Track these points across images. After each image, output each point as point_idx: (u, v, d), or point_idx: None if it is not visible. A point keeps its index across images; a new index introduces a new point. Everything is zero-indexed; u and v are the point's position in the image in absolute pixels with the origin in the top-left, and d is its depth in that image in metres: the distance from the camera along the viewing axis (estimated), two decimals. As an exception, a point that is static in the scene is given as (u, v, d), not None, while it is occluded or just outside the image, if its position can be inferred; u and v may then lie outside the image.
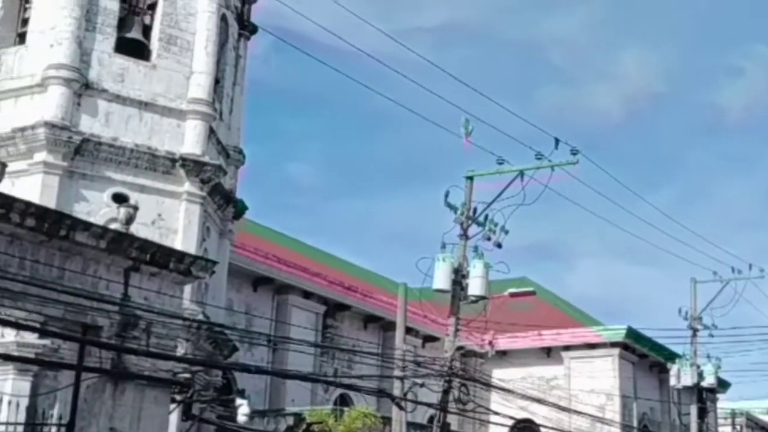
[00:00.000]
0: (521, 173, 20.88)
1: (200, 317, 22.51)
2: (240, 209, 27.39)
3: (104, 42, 23.70)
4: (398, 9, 79.04)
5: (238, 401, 21.34)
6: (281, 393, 31.95)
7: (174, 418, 18.64)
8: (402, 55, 19.92)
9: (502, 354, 36.49)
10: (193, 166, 23.76)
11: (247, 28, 28.49)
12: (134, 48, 24.49)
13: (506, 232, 20.93)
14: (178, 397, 17.49)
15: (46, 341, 18.78)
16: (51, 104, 22.44)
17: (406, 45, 19.78)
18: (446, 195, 20.74)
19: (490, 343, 21.37)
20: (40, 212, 15.19)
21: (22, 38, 24.15)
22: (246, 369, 22.93)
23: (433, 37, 79.02)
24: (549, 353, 40.68)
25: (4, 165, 15.90)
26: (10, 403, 16.42)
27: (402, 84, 25.72)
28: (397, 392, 20.92)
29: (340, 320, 36.59)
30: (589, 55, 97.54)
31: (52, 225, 15.05)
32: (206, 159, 24.17)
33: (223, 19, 26.35)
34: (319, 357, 33.43)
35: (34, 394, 18.87)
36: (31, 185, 21.20)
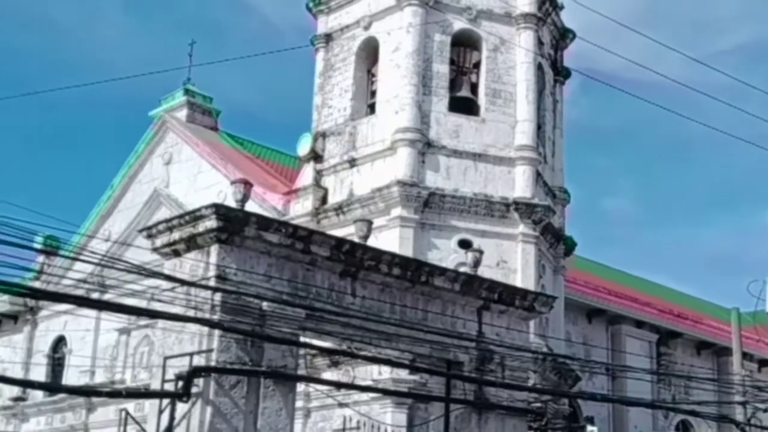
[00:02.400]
0: None
1: (544, 350, 23.02)
2: (569, 246, 27.74)
3: (439, 103, 25.08)
4: (699, 35, 76.53)
5: (589, 428, 21.45)
6: (624, 420, 31.77)
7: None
8: (707, 79, 19.62)
9: None
10: (525, 209, 24.50)
11: (561, 73, 29.00)
12: (464, 105, 25.68)
13: None
14: (534, 425, 17.93)
15: (416, 377, 19.98)
16: (401, 164, 24.04)
17: (714, 67, 19.49)
18: (772, 215, 20.05)
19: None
20: (404, 262, 16.36)
21: (372, 109, 26.07)
22: (592, 397, 23.30)
23: (738, 57, 75.64)
24: None
25: (370, 223, 17.22)
26: (391, 432, 17.70)
27: (711, 108, 25.16)
28: (739, 417, 20.34)
29: (673, 347, 35.83)
30: None
31: (414, 272, 16.12)
32: (536, 201, 24.84)
33: (540, 67, 27.00)
34: (656, 384, 32.90)
35: (410, 424, 20.14)
36: (391, 238, 22.74)
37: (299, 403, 18.75)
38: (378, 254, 15.83)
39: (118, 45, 75.23)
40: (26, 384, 27.57)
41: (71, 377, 30.13)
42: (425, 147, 24.44)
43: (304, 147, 26.51)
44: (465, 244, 23.05)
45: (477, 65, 26.20)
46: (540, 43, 26.80)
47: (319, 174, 26.08)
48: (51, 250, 21.02)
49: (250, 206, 15.12)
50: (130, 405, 20.58)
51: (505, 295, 17.41)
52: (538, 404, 18.82)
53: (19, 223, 10.59)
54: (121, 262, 13.81)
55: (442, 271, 16.83)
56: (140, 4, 76.72)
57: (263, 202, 25.82)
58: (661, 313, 35.50)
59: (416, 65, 24.87)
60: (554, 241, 26.46)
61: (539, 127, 26.60)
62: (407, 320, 15.75)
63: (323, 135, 26.38)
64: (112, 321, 27.90)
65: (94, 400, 29.11)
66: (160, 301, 13.04)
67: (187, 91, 32.36)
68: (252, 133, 34.05)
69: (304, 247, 14.49)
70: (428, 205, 23.77)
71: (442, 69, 25.38)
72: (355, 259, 15.23)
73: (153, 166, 31.41)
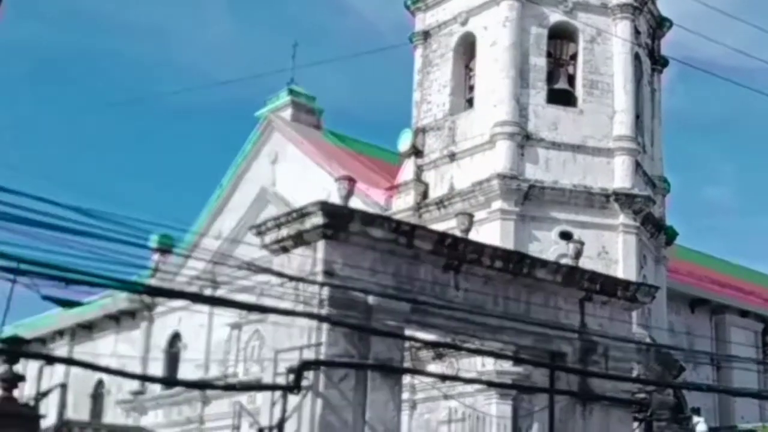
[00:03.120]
0: None
1: (647, 340, 22.63)
2: (670, 235, 27.19)
3: (537, 96, 24.86)
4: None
5: (695, 419, 21.06)
6: (730, 410, 30.96)
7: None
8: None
9: None
10: (625, 200, 24.13)
11: (659, 62, 28.43)
12: (562, 97, 25.40)
13: None
14: (638, 416, 17.64)
15: (520, 368, 19.88)
16: (500, 158, 23.92)
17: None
18: None
19: None
20: (506, 254, 16.29)
21: (470, 103, 25.99)
22: (698, 388, 22.78)
23: None
24: None
25: (472, 216, 17.18)
26: (498, 424, 17.63)
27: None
28: None
29: (778, 337, 34.80)
30: None
31: (516, 264, 16.03)
32: (636, 191, 24.45)
33: (637, 57, 26.53)
34: (762, 374, 31.98)
35: (514, 415, 20.06)
36: (492, 231, 22.67)
37: (405, 395, 18.80)
38: (480, 247, 15.80)
39: (224, 49, 76.68)
40: (145, 378, 28.29)
41: (187, 371, 30.80)
42: (524, 140, 24.26)
43: (404, 143, 26.60)
44: (565, 236, 22.82)
45: (574, 57, 25.88)
46: (637, 32, 26.34)
47: (419, 169, 26.14)
48: (165, 248, 21.53)
49: (354, 202, 15.23)
50: (243, 398, 21.00)
51: (607, 286, 17.18)
52: (643, 395, 18.47)
53: (135, 223, 10.84)
54: (232, 259, 14.08)
55: (544, 263, 16.71)
56: (244, 9, 78.08)
57: (366, 198, 25.99)
58: (765, 303, 34.49)
59: (513, 59, 24.70)
60: (655, 231, 25.95)
61: (637, 117, 26.14)
62: (510, 312, 15.67)
63: (423, 130, 26.42)
64: (224, 317, 28.51)
65: (209, 393, 29.73)
66: (270, 296, 13.22)
67: (291, 92, 32.75)
68: (353, 131, 34.21)
69: (407, 241, 14.54)
70: (528, 198, 23.59)
71: (539, 62, 25.15)
72: (458, 252, 15.22)
73: (260, 166, 31.91)
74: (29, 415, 11.76)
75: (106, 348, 34.01)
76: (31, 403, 11.93)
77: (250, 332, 29.41)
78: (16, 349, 11.92)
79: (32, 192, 9.95)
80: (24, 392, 12.31)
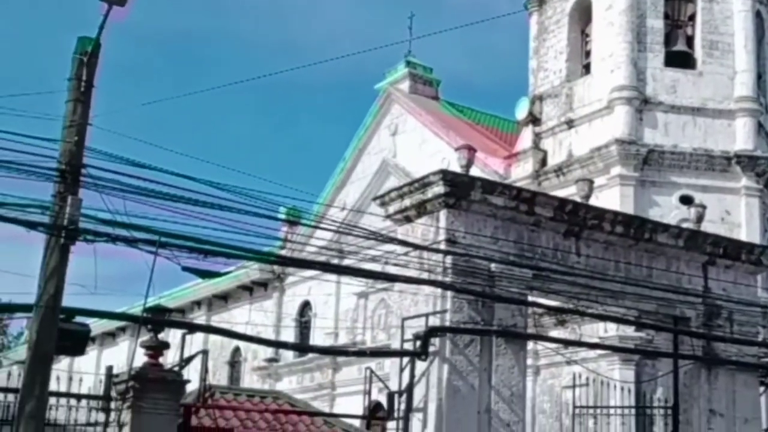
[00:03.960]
0: None
1: (773, 303, 21.94)
2: (795, 197, 26.26)
3: (654, 59, 24.28)
4: None
5: (825, 382, 20.30)
6: None
7: (763, 401, 18.39)
8: None
9: None
10: (747, 162, 23.45)
11: (784, 21, 27.31)
12: (681, 59, 24.75)
13: None
14: (765, 381, 17.20)
15: (642, 333, 19.62)
16: (618, 123, 23.53)
17: None
18: None
19: None
20: (627, 220, 16.04)
21: (587, 69, 25.62)
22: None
23: None
24: None
25: (592, 182, 16.99)
26: (622, 389, 17.47)
27: None
28: None
29: None
30: None
31: (637, 230, 15.76)
32: (759, 153, 23.72)
33: (758, 15, 25.60)
34: None
35: (638, 380, 19.83)
36: (611, 197, 22.35)
37: (528, 361, 18.75)
38: (601, 213, 15.61)
39: (341, 23, 77.28)
40: (280, 345, 28.98)
41: (317, 339, 31.48)
42: (642, 104, 23.78)
43: (521, 111, 26.41)
44: (686, 200, 22.34)
45: (692, 17, 25.15)
46: (758, -11, 25.42)
47: (537, 137, 25.93)
48: (293, 220, 22.04)
49: (473, 172, 15.22)
50: (372, 364, 21.29)
51: (731, 250, 16.75)
52: (768, 360, 18.01)
53: (266, 197, 11.11)
54: (358, 229, 14.28)
55: (666, 228, 16.38)
56: (360, -17, 78.38)
57: (485, 167, 25.95)
58: None
59: (630, 22, 24.16)
60: (779, 194, 25.11)
61: (759, 77, 25.27)
62: (632, 277, 15.45)
63: (540, 98, 26.17)
64: (351, 286, 29.01)
65: (339, 360, 30.34)
66: (395, 265, 13.40)
67: (408, 63, 32.84)
68: (471, 101, 34.10)
69: (528, 208, 14.48)
70: (647, 163, 23.15)
71: (656, 24, 24.54)
72: (579, 218, 15.07)
73: (380, 138, 32.19)
74: (175, 381, 12.23)
75: (241, 317, 35.01)
76: (176, 369, 12.41)
77: (377, 301, 29.83)
78: (161, 318, 12.44)
79: (171, 168, 10.34)
80: (168, 359, 12.80)
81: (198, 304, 38.06)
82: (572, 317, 19.85)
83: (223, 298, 37.56)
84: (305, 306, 33.72)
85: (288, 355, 33.61)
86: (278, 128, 78.76)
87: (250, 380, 34.33)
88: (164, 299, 30.52)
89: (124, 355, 39.22)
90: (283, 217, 24.45)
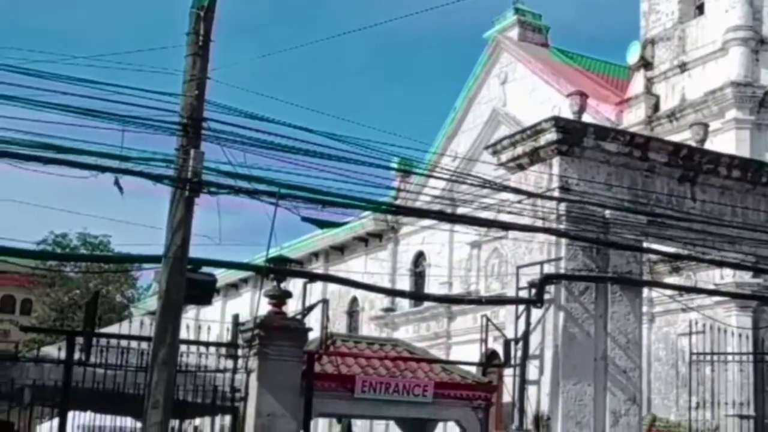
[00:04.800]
0: None
1: None
2: None
3: (772, -2, 23.25)
4: None
5: None
6: None
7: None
8: None
9: None
10: None
11: None
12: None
13: None
14: None
15: (760, 279, 19.04)
16: (733, 65, 22.64)
17: None
18: None
19: None
20: (743, 163, 15.48)
21: (700, 9, 24.65)
22: None
23: None
24: None
25: (707, 126, 16.45)
26: (740, 335, 17.03)
27: None
28: None
29: None
30: None
31: (755, 174, 15.21)
32: None
33: None
34: None
35: (755, 327, 19.28)
36: (726, 141, 21.58)
37: (644, 309, 18.47)
38: (716, 157, 15.12)
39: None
40: (399, 293, 29.22)
41: (432, 288, 31.60)
42: (758, 44, 22.81)
43: (633, 55, 25.68)
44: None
45: (810, -48, 23.87)
46: None
47: (649, 81, 25.20)
48: (406, 171, 22.14)
49: (585, 119, 14.90)
50: (487, 313, 21.24)
51: None
52: None
53: (381, 147, 11.12)
54: (471, 177, 14.20)
55: (786, 171, 15.75)
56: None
57: (596, 114, 25.41)
58: None
59: (745, -41, 23.11)
60: None
61: None
62: (749, 222, 14.97)
63: (652, 42, 25.37)
64: (464, 236, 29.00)
65: (454, 309, 30.44)
66: (510, 213, 13.29)
67: (517, 11, 32.29)
68: (580, 47, 33.42)
69: (641, 154, 14.13)
70: (764, 105, 22.25)
71: (754, -39, 23.40)
72: (693, 163, 14.64)
73: (490, 87, 31.85)
74: (298, 329, 12.49)
75: (357, 268, 35.44)
76: (298, 317, 12.65)
77: (489, 250, 29.74)
78: (283, 268, 12.69)
79: (289, 121, 10.42)
80: (289, 309, 13.06)
81: (316, 255, 38.69)
82: (688, 264, 19.42)
83: (340, 250, 38.08)
84: (419, 256, 33.89)
85: (404, 305, 33.91)
86: (390, 79, 78.77)
87: (367, 329, 34.84)
88: (284, 251, 31.11)
89: (246, 305, 40.33)
90: (396, 167, 24.53)
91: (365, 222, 34.00)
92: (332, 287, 33.32)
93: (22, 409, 12.79)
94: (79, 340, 11.40)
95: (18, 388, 11.44)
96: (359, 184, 11.03)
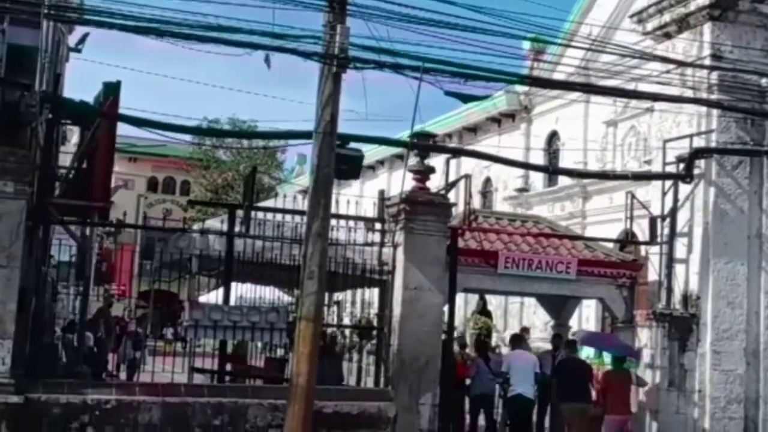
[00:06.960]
0: None
1: None
2: None
3: None
4: None
5: None
6: None
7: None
8: None
9: None
10: None
11: None
12: None
13: None
14: None
15: None
16: None
17: None
18: None
19: None
20: None
21: None
22: None
23: None
24: None
25: None
26: None
27: None
28: None
29: None
30: None
31: None
32: None
33: None
34: None
35: None
36: None
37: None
38: None
39: None
40: (543, 169, 28.60)
41: (566, 168, 30.85)
42: None
43: None
44: None
45: None
46: None
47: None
48: (541, 44, 21.41)
49: (738, -16, 13.87)
50: (620, 194, 20.60)
51: None
52: None
53: (519, 17, 10.81)
54: (612, 46, 13.59)
55: None
56: None
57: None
58: None
59: None
60: None
61: None
62: None
63: None
64: (599, 114, 28.09)
65: (589, 188, 29.76)
66: (656, 83, 12.63)
67: None
68: None
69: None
70: None
71: None
72: None
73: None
74: (442, 203, 12.38)
75: (490, 148, 35.03)
76: (442, 192, 12.53)
77: (626, 128, 28.78)
78: (427, 143, 12.53)
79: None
80: (432, 184, 12.92)
81: (450, 136, 38.34)
82: None
83: (473, 130, 37.64)
84: (553, 136, 33.17)
85: (537, 185, 33.43)
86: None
87: (501, 209, 34.55)
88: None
89: (383, 185, 40.52)
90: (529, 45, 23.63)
91: (498, 101, 33.38)
92: (466, 167, 33.05)
93: (187, 278, 13.37)
94: (239, 213, 11.73)
95: (186, 258, 11.92)
96: (501, 56, 10.75)
